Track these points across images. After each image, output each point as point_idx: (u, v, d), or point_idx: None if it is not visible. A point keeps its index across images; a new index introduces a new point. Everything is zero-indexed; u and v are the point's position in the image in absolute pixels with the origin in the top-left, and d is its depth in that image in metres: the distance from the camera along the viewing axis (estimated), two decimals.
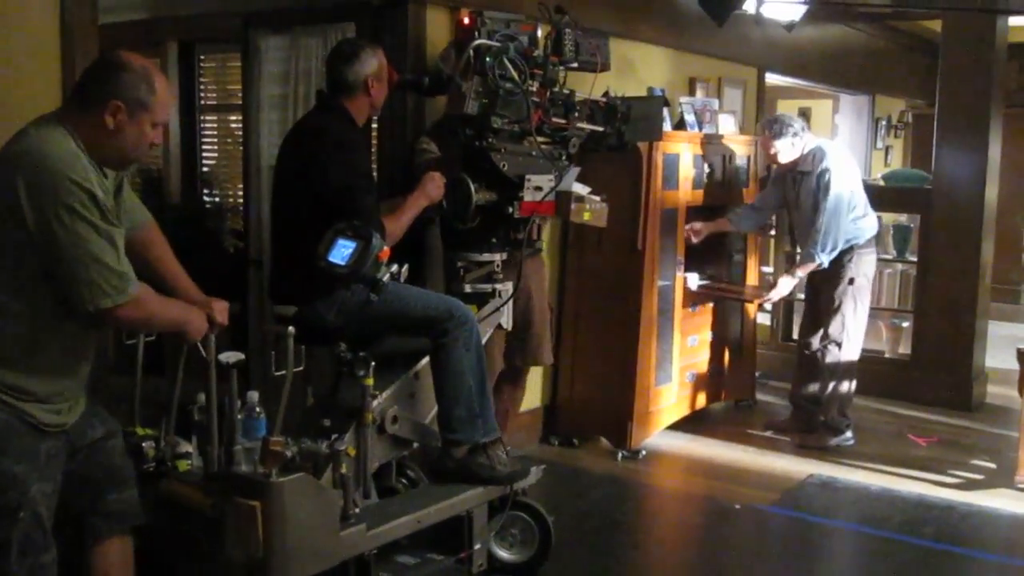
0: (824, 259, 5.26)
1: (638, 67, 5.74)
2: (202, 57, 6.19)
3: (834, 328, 5.37)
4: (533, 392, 5.33)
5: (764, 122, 5.57)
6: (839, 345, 5.39)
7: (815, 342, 5.47)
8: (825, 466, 5.15)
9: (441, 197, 3.54)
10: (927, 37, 8.95)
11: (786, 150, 5.35)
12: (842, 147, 5.79)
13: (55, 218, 2.33)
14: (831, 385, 5.44)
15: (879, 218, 6.77)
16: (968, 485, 4.95)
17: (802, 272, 5.46)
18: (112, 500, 2.69)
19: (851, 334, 5.42)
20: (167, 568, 3.03)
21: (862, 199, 5.42)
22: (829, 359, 5.41)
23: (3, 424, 2.41)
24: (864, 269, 5.42)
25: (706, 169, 5.55)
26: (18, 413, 2.43)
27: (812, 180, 5.30)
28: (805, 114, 10.43)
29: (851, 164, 5.48)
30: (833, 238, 5.23)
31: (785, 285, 5.55)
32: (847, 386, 5.51)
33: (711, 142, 5.62)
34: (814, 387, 5.51)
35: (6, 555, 2.41)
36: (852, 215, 5.30)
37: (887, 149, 10.38)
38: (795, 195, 5.46)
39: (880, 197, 6.74)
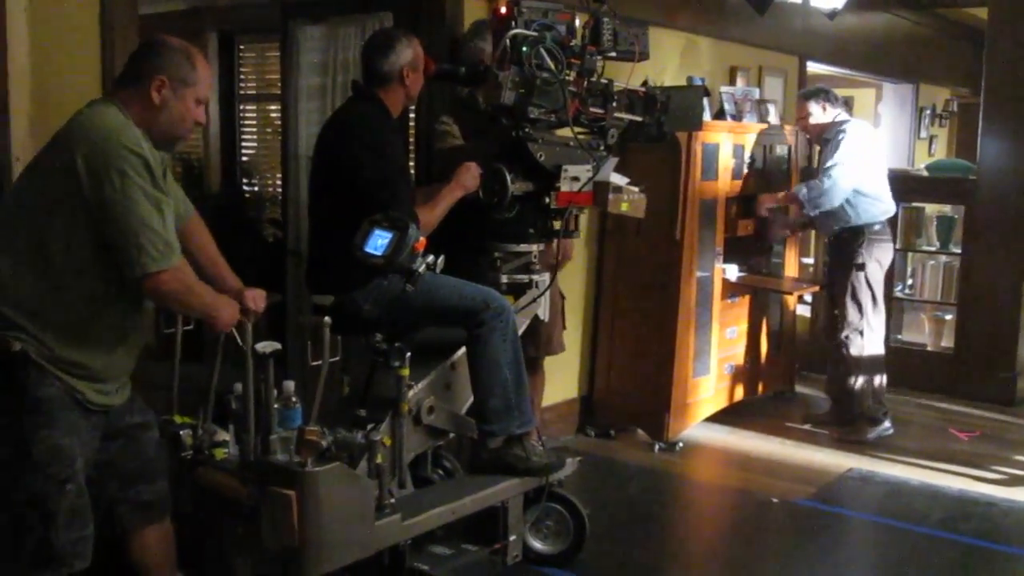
0: (805, 199, 5.23)
1: (678, 56, 5.70)
2: (241, 47, 6.23)
3: (852, 315, 5.32)
4: (569, 383, 5.32)
5: (800, 92, 5.63)
6: (861, 333, 5.33)
7: (837, 333, 5.41)
8: (864, 460, 5.09)
9: (477, 187, 3.53)
10: (972, 24, 8.79)
11: (817, 113, 5.38)
12: (872, 130, 5.75)
13: (107, 181, 2.42)
14: (861, 375, 5.39)
15: (923, 209, 6.73)
16: (1011, 481, 4.87)
17: (783, 198, 5.43)
18: (142, 491, 2.73)
19: (872, 322, 5.37)
20: (203, 556, 3.05)
21: (878, 182, 5.36)
22: (854, 349, 5.36)
23: (55, 398, 2.48)
24: (877, 255, 5.36)
25: (747, 159, 5.51)
26: (68, 388, 2.50)
27: (829, 145, 5.31)
28: (847, 103, 10.28)
29: (876, 144, 5.51)
30: (826, 190, 5.18)
31: (765, 201, 5.47)
32: (878, 374, 5.45)
33: (763, 132, 5.59)
34: (845, 379, 5.45)
35: (53, 526, 2.47)
36: (865, 194, 5.27)
37: (931, 139, 10.24)
38: (816, 166, 5.43)
39: (924, 188, 6.69)
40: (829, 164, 5.20)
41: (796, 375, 6.34)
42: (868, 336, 5.35)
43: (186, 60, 2.61)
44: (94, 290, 2.52)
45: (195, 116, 2.66)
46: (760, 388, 5.92)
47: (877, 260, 5.35)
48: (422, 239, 3.04)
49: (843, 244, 5.36)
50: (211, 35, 6.19)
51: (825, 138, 5.37)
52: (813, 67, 7.29)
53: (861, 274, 5.30)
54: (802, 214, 5.43)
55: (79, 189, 2.43)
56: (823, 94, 5.40)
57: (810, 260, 7.15)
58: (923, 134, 10.02)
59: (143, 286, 2.51)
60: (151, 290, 2.54)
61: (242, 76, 6.31)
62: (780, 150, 5.83)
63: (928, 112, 10.04)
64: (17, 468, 2.46)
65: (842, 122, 5.33)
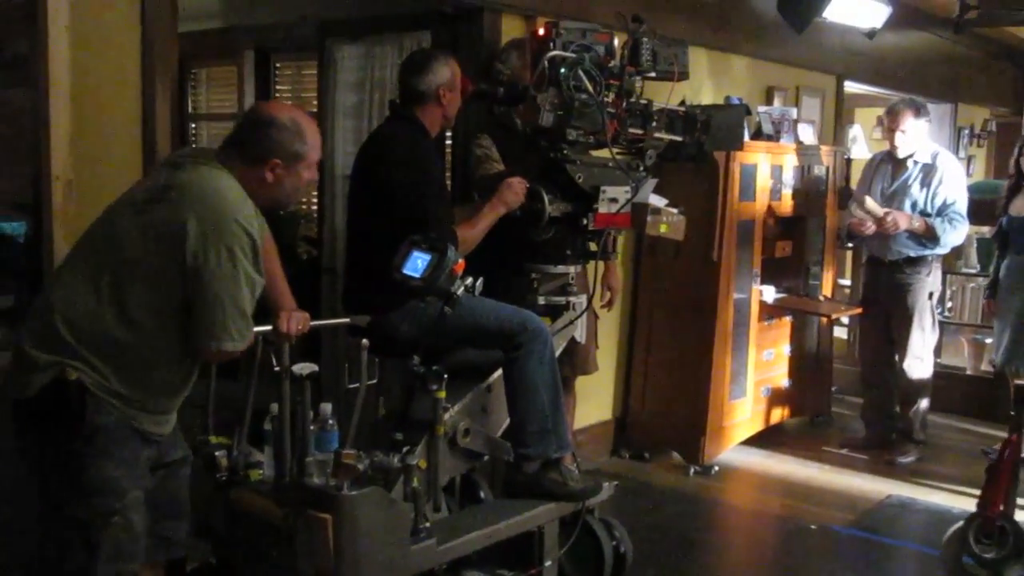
0: (943, 237, 5.15)
1: (714, 76, 5.66)
2: (278, 65, 6.25)
3: (916, 343, 5.26)
4: (604, 404, 5.28)
5: (904, 100, 5.36)
6: (922, 360, 5.28)
7: (897, 359, 5.35)
8: (904, 487, 5.01)
9: (519, 204, 3.49)
10: (1013, 44, 8.70)
11: (918, 133, 5.23)
12: None
13: (215, 255, 2.41)
14: (921, 401, 5.34)
15: None
16: None
17: (920, 225, 5.16)
18: (169, 528, 2.69)
19: (930, 347, 5.32)
20: None
21: None
22: (916, 375, 5.30)
23: (112, 427, 2.44)
24: (938, 283, 5.33)
25: (790, 180, 5.48)
26: (126, 418, 2.46)
27: (935, 175, 5.20)
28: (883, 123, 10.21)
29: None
30: (963, 233, 5.21)
31: (903, 220, 5.16)
32: (928, 400, 5.41)
33: (801, 152, 5.53)
34: (909, 403, 5.40)
35: (94, 557, 2.44)
36: None
37: (969, 159, 10.10)
38: (888, 184, 5.35)
39: None
40: (956, 204, 5.17)
41: (832, 398, 6.26)
42: (928, 360, 5.32)
43: (296, 136, 2.60)
44: (169, 341, 2.50)
45: (306, 180, 2.69)
46: (796, 411, 5.85)
47: (938, 287, 5.33)
48: (461, 261, 3.01)
49: (906, 270, 5.27)
50: (248, 53, 6.22)
51: (916, 159, 5.25)
52: (851, 86, 7.22)
53: (929, 302, 5.24)
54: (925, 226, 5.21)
55: (182, 250, 2.40)
56: (928, 114, 5.28)
57: (846, 282, 7.07)
58: (962, 154, 9.87)
59: (205, 352, 2.53)
60: (211, 357, 2.59)
61: (278, 94, 6.33)
62: (818, 170, 5.77)
63: (966, 132, 9.91)
64: (66, 494, 2.43)
65: (943, 152, 5.28)
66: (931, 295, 5.25)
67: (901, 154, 5.27)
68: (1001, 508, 3.59)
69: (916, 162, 5.25)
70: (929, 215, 5.17)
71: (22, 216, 3.55)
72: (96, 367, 2.42)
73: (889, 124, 5.31)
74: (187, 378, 2.62)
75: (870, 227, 5.20)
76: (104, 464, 2.43)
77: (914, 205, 5.20)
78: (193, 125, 6.86)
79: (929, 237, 5.16)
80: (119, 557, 2.47)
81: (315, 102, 5.45)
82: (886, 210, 5.18)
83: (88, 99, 3.24)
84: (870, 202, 5.21)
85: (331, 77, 5.06)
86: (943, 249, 5.25)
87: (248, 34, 6.17)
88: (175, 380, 2.58)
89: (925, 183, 5.20)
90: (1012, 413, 3.66)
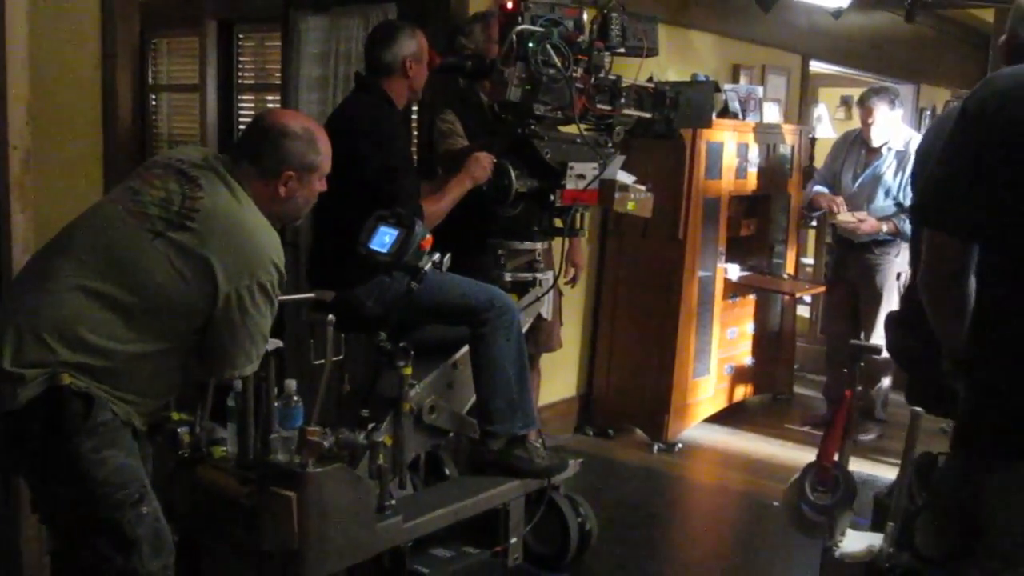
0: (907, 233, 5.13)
1: (681, 53, 5.64)
2: (241, 36, 6.15)
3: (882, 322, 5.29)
4: (568, 381, 5.28)
5: (878, 90, 5.36)
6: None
7: (862, 337, 5.38)
8: (864, 464, 5.04)
9: (487, 179, 3.46)
10: (977, 27, 8.75)
11: (893, 124, 5.25)
12: None
13: (247, 292, 2.38)
14: (883, 379, 5.41)
15: None
16: None
17: (890, 228, 5.22)
18: None
19: None
20: (200, 557, 2.99)
21: None
22: (880, 354, 5.33)
23: (110, 421, 2.34)
24: (906, 264, 5.36)
25: (756, 159, 5.47)
26: (124, 415, 2.38)
27: (908, 161, 5.14)
28: (847, 103, 10.27)
29: None
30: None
31: (872, 227, 5.23)
32: (891, 379, 5.47)
33: (766, 131, 5.52)
34: (871, 383, 5.44)
35: (137, 554, 2.34)
36: None
37: None
38: (861, 169, 5.36)
39: None
40: None
41: (794, 376, 6.30)
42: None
43: (309, 146, 2.56)
44: (177, 358, 2.46)
45: (318, 191, 2.64)
46: (759, 389, 5.88)
47: (905, 268, 5.36)
48: (429, 237, 2.98)
49: (875, 250, 5.31)
50: (210, 23, 6.11)
51: (891, 147, 5.25)
52: (816, 66, 7.24)
53: (897, 284, 5.28)
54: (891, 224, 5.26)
55: (211, 287, 2.34)
56: (901, 106, 5.29)
57: (809, 260, 7.11)
58: None
59: (225, 377, 2.54)
60: (226, 380, 2.60)
61: (241, 65, 6.23)
62: (783, 149, 5.79)
63: (928, 112, 9.98)
64: (85, 499, 2.30)
65: (915, 138, 5.24)
66: (899, 275, 5.29)
67: (875, 143, 5.31)
68: (836, 458, 3.68)
69: (890, 148, 5.28)
70: (902, 203, 5.20)
71: None
72: (92, 375, 2.31)
73: (863, 117, 5.34)
74: (181, 383, 2.60)
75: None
76: (115, 454, 2.32)
77: (888, 192, 5.24)
78: (153, 96, 6.74)
79: (899, 235, 5.21)
80: (162, 548, 2.40)
81: (278, 74, 5.39)
82: (859, 217, 5.23)
83: (46, 67, 3.16)
84: (843, 215, 5.27)
85: (295, 49, 4.99)
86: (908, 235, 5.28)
87: (211, 4, 6.06)
88: (173, 389, 2.58)
89: (899, 170, 5.23)
90: (845, 371, 3.75)
